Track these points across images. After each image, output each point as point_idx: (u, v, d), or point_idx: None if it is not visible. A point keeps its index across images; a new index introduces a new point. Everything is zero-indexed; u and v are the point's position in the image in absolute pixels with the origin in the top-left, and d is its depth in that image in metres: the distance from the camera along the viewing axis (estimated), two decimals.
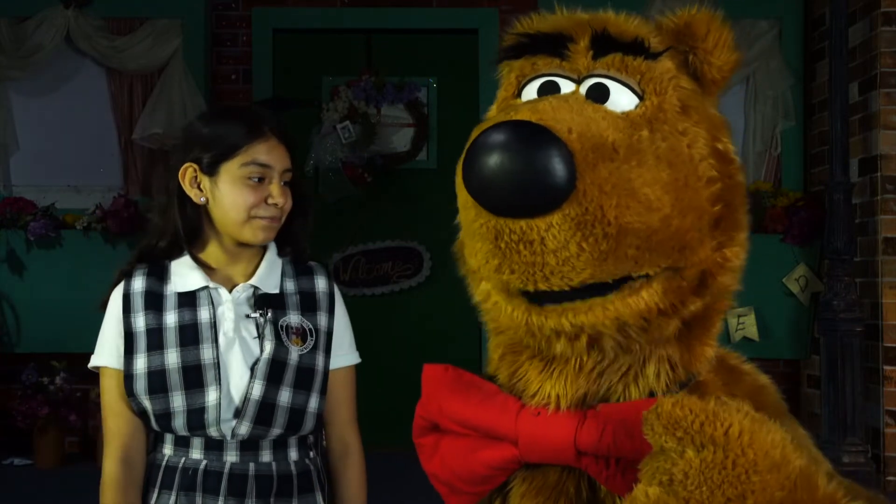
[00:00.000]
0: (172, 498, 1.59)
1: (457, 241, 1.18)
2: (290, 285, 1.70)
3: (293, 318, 1.66)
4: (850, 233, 3.61)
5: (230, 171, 1.62)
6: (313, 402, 1.65)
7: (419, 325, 4.45)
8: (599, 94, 1.10)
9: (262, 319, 1.64)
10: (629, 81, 1.10)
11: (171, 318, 1.63)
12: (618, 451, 1.06)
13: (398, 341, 4.43)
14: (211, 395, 1.58)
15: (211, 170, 1.63)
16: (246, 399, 1.59)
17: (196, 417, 1.58)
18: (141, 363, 1.60)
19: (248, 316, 1.65)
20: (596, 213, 0.97)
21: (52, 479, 3.85)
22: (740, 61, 1.17)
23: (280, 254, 1.73)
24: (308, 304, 1.69)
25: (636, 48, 1.11)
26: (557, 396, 1.10)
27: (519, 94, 1.17)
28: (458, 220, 1.14)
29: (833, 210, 3.61)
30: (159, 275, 1.67)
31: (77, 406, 4.03)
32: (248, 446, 1.61)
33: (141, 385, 1.60)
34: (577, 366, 1.09)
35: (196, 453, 1.61)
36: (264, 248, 1.71)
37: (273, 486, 1.61)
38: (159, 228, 1.69)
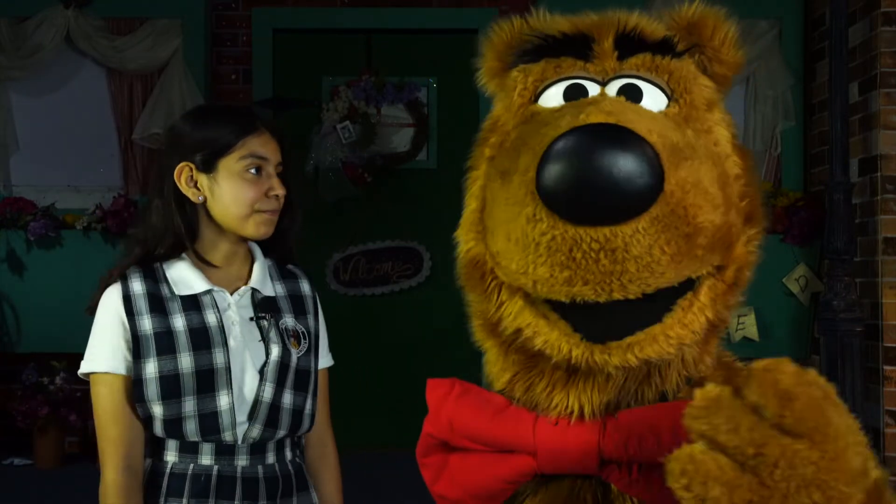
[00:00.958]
0: None
1: (464, 260, 1.13)
2: (279, 288, 1.70)
3: (289, 321, 1.67)
4: (850, 233, 3.60)
5: (228, 166, 1.62)
6: (309, 404, 1.66)
7: (419, 325, 4.45)
8: (633, 95, 1.08)
9: (266, 323, 1.64)
10: (659, 81, 1.09)
11: (179, 322, 1.60)
12: (641, 456, 1.04)
13: (398, 341, 4.43)
14: (223, 400, 1.57)
15: (208, 167, 1.62)
16: (257, 402, 1.59)
17: (209, 422, 1.57)
18: (151, 367, 1.57)
19: (251, 319, 1.64)
20: (679, 213, 0.94)
21: (52, 479, 3.85)
22: (744, 59, 1.16)
23: (270, 254, 1.73)
24: (298, 307, 1.71)
25: (665, 47, 1.10)
26: (581, 406, 1.07)
27: (536, 100, 1.13)
28: (464, 243, 1.11)
29: (833, 210, 3.61)
30: (154, 277, 1.64)
31: (77, 406, 4.02)
32: (257, 449, 1.61)
33: (153, 390, 1.57)
34: (605, 375, 1.06)
35: (206, 459, 1.59)
36: (250, 250, 1.72)
37: (279, 487, 1.62)
38: (159, 231, 1.65)
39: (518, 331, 1.07)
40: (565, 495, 1.10)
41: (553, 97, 1.12)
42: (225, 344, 1.60)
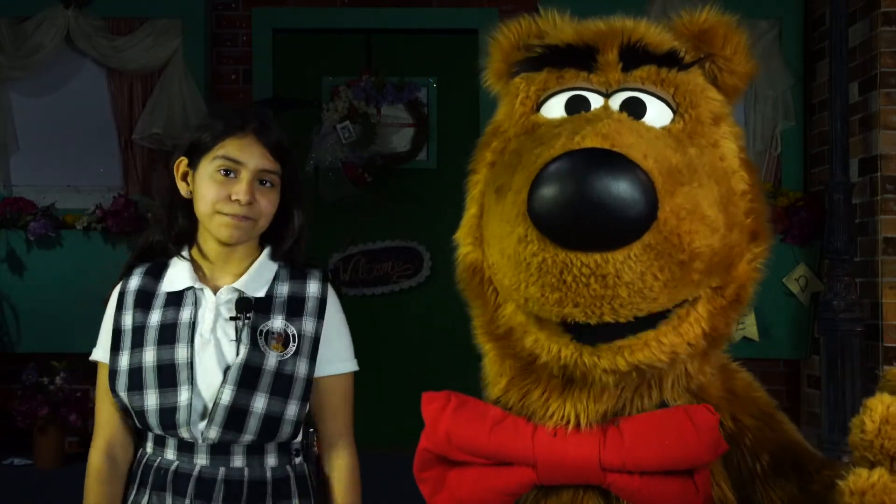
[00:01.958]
0: (146, 496, 1.60)
1: (462, 265, 1.13)
2: (281, 289, 1.68)
3: (276, 323, 1.63)
4: (850, 233, 3.60)
5: (204, 165, 1.64)
6: (291, 410, 1.60)
7: (419, 325, 4.45)
8: (636, 110, 1.05)
9: (240, 323, 1.62)
10: (664, 95, 1.06)
11: (154, 317, 1.64)
12: (643, 464, 1.03)
13: (398, 341, 4.43)
14: (183, 395, 1.57)
15: (193, 164, 1.66)
16: (215, 404, 1.57)
17: (168, 417, 1.58)
18: (124, 360, 1.62)
19: (231, 318, 1.63)
20: (674, 241, 0.93)
21: (52, 479, 3.84)
22: (756, 68, 1.12)
23: (275, 258, 1.71)
24: (295, 308, 1.66)
25: (670, 60, 1.07)
26: (577, 415, 1.06)
27: (538, 109, 1.12)
28: (463, 247, 1.09)
29: (833, 210, 3.61)
30: (157, 273, 1.68)
31: (77, 406, 4.02)
32: (219, 450, 1.59)
33: (122, 382, 1.61)
34: (601, 384, 1.05)
35: (170, 454, 1.61)
36: (259, 251, 1.71)
37: (243, 492, 1.59)
38: (162, 224, 1.71)
39: (511, 330, 1.07)
40: None
41: (555, 107, 1.10)
42: (191, 340, 1.61)
